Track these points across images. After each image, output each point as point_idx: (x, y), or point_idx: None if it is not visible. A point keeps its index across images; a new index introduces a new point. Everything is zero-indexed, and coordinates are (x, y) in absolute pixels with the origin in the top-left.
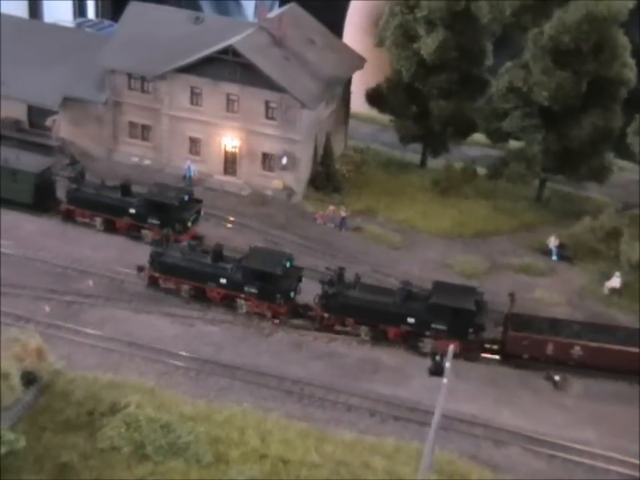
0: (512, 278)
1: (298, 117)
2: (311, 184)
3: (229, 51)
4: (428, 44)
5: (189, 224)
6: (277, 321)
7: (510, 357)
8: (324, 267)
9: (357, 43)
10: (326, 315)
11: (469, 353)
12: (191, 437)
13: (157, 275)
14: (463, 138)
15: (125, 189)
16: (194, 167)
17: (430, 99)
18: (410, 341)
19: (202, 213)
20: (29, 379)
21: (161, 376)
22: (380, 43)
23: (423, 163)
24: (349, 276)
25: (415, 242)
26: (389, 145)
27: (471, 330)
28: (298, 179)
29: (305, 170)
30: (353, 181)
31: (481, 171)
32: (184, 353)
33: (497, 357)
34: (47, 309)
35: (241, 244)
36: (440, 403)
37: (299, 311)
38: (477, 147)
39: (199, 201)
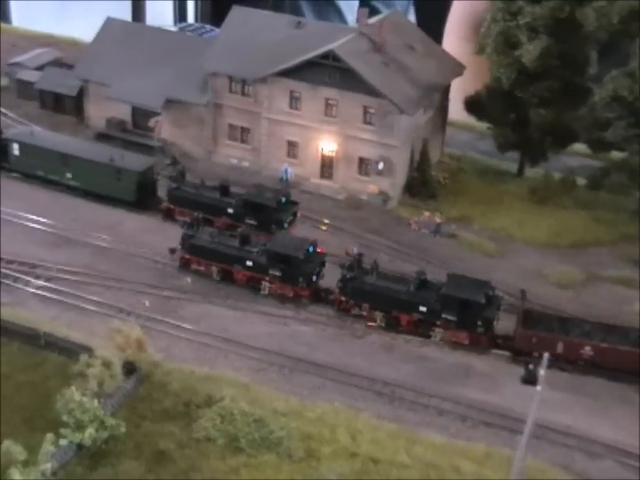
0: (609, 290)
1: (396, 123)
2: (406, 190)
3: (329, 56)
4: (530, 51)
5: (285, 225)
6: (371, 324)
7: (520, 354)
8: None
9: (454, 49)
10: (343, 298)
11: (478, 345)
12: (283, 432)
13: (187, 257)
14: (563, 147)
15: (224, 189)
16: (291, 170)
17: (530, 107)
18: (421, 330)
19: (298, 215)
20: (129, 368)
21: (255, 372)
22: (480, 50)
23: (520, 172)
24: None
25: (510, 251)
26: (485, 153)
27: (479, 322)
28: (394, 185)
29: (400, 175)
30: (448, 188)
31: (580, 181)
32: (278, 351)
33: (507, 353)
34: (147, 303)
35: (335, 247)
36: (533, 411)
37: (320, 295)
38: (576, 157)
39: (296, 203)
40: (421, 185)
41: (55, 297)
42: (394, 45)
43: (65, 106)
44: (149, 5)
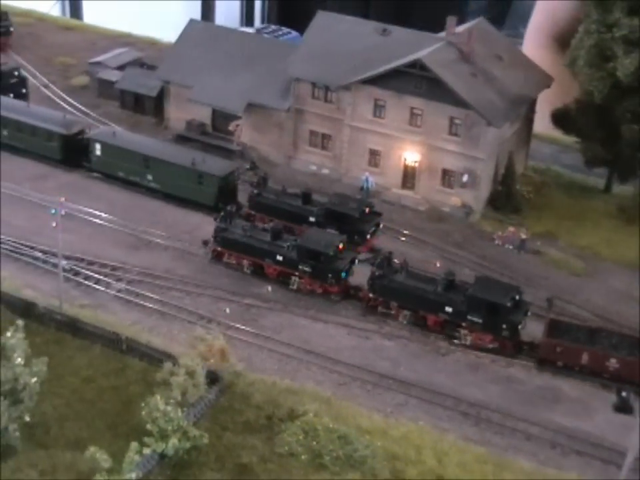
0: None
1: (482, 135)
2: (489, 203)
3: (417, 65)
4: (625, 65)
5: (368, 236)
6: (455, 342)
7: (544, 363)
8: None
9: (534, 58)
10: (372, 295)
11: (503, 349)
12: (367, 451)
13: (219, 249)
14: None
15: (306, 197)
16: (372, 179)
17: (622, 122)
18: (447, 330)
19: (381, 226)
20: (212, 378)
21: (337, 386)
22: (571, 62)
23: (607, 188)
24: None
25: (598, 270)
26: (570, 167)
27: (504, 326)
28: (477, 198)
29: (485, 188)
30: (532, 203)
31: None
32: (361, 365)
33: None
34: (227, 310)
35: (417, 260)
36: (634, 443)
37: (350, 292)
38: None
39: (379, 214)
40: (505, 198)
41: (135, 300)
42: (482, 55)
43: (145, 106)
44: (217, 5)
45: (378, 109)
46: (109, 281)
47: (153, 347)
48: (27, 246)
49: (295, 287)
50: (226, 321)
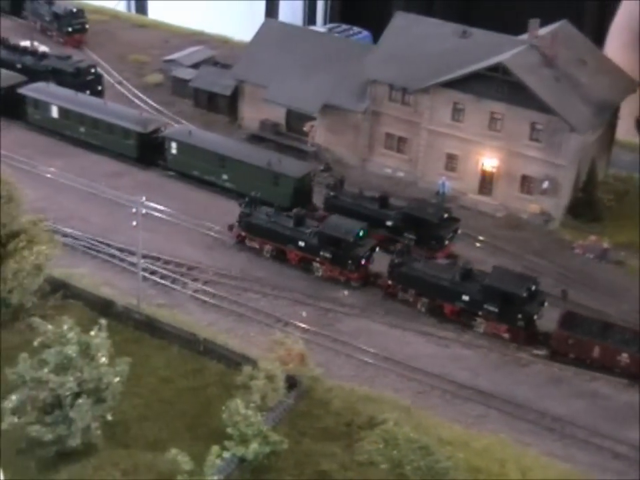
0: None
1: (565, 141)
2: (569, 211)
3: (499, 68)
4: None
5: (446, 242)
6: (536, 352)
7: (556, 354)
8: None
9: (616, 58)
10: (390, 282)
11: (518, 339)
12: (449, 463)
13: (243, 234)
14: None
15: (383, 200)
16: (448, 184)
17: None
18: (463, 319)
19: (459, 232)
20: (290, 383)
21: (416, 395)
22: None
23: None
24: None
25: None
26: None
27: (519, 316)
28: (557, 205)
29: (565, 196)
30: (614, 211)
31: None
32: (440, 374)
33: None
34: (304, 314)
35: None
36: None
37: (370, 279)
38: None
39: (457, 220)
40: (585, 206)
41: (211, 301)
42: (565, 59)
43: (219, 105)
44: (281, 4)
45: (457, 112)
46: (185, 280)
47: (231, 349)
48: (104, 243)
49: (319, 273)
50: (302, 324)
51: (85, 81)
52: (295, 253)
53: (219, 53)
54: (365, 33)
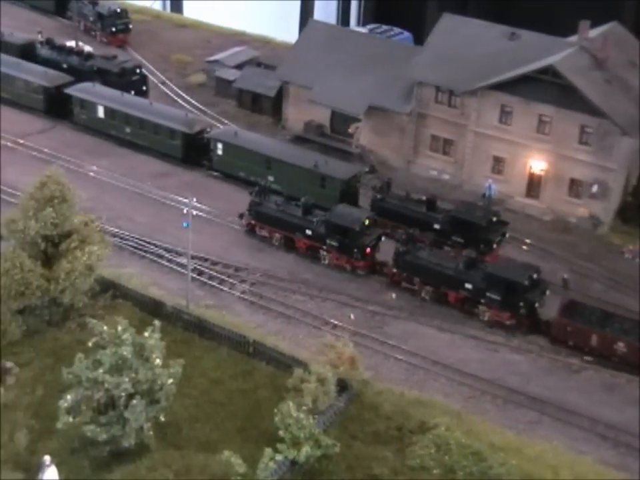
0: None
1: (616, 145)
2: (618, 215)
3: (548, 71)
4: None
5: (494, 245)
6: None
7: (556, 342)
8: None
9: None
10: (395, 270)
11: (520, 327)
12: (502, 469)
13: (253, 222)
14: None
15: (431, 203)
16: (495, 187)
17: None
18: (467, 307)
19: (506, 235)
20: (341, 386)
21: (467, 400)
22: None
23: None
24: None
25: None
26: None
27: (521, 304)
28: (606, 209)
29: (614, 200)
30: None
31: None
32: (490, 379)
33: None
34: (352, 316)
35: (543, 270)
36: None
37: (376, 267)
38: None
39: (505, 223)
40: (635, 210)
41: (259, 302)
42: (616, 61)
43: (262, 106)
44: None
45: (504, 115)
46: (233, 282)
47: (281, 351)
48: (151, 243)
49: (325, 261)
50: (351, 327)
51: (130, 81)
52: (303, 241)
53: (261, 53)
54: (406, 33)
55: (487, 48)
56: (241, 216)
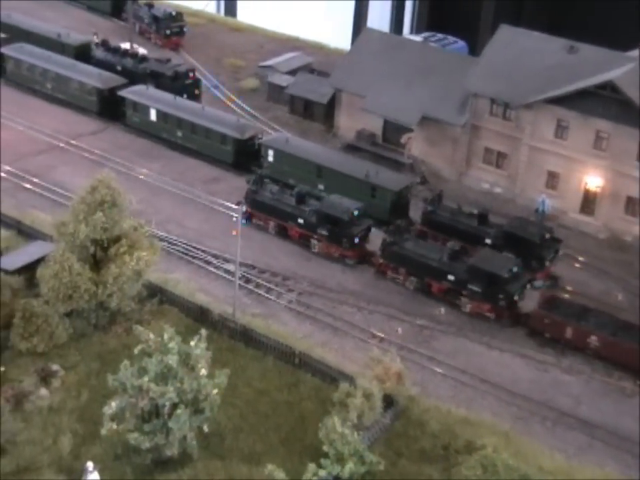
0: None
1: None
2: None
3: (607, 86)
4: None
5: (547, 263)
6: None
7: (534, 334)
8: None
9: None
10: (382, 261)
11: (501, 318)
12: None
13: (250, 211)
14: None
15: (483, 217)
16: (548, 202)
17: None
18: (450, 298)
19: (560, 252)
20: (387, 402)
21: (515, 420)
22: None
23: None
24: None
25: None
26: None
27: (501, 296)
28: None
29: None
30: None
31: None
32: (540, 400)
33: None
34: (400, 330)
35: (597, 291)
36: None
37: (365, 257)
38: None
39: (559, 241)
40: None
41: (306, 312)
42: None
43: (314, 113)
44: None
45: (560, 129)
46: (280, 290)
47: (327, 364)
48: (199, 249)
49: (315, 249)
50: (398, 341)
51: (183, 84)
52: (296, 229)
53: (315, 59)
54: (461, 42)
55: (545, 61)
56: (239, 203)
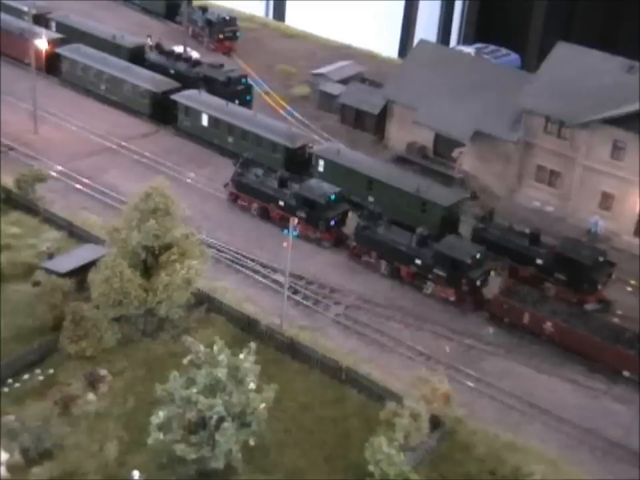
0: None
1: None
2: None
3: None
4: None
5: (599, 286)
6: None
7: (493, 318)
8: None
9: None
10: (355, 244)
11: (463, 303)
12: None
13: (235, 192)
14: None
15: (534, 237)
16: (602, 223)
17: None
18: (416, 282)
19: (612, 276)
20: (434, 423)
21: (563, 448)
22: None
23: None
24: None
25: None
26: None
27: (464, 281)
28: None
29: None
30: None
31: None
32: (589, 428)
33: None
34: (448, 349)
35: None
36: None
37: (341, 241)
38: None
39: (612, 264)
40: None
41: (353, 327)
42: None
43: (365, 123)
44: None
45: (616, 150)
46: (328, 303)
47: (374, 381)
48: (248, 258)
49: (295, 232)
50: (445, 359)
51: (235, 90)
52: (277, 212)
53: (366, 68)
54: (514, 55)
55: (603, 80)
56: (226, 185)
